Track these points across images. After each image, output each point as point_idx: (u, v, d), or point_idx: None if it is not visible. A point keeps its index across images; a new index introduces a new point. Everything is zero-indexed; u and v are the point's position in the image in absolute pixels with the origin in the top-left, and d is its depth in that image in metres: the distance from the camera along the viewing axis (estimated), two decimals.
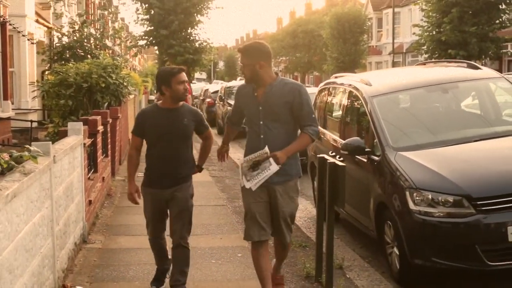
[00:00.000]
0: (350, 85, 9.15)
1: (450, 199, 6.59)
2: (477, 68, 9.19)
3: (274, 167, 5.75)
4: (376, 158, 7.60)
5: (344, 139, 8.56)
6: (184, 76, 6.26)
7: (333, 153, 8.74)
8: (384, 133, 7.68)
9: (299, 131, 6.09)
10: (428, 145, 7.54)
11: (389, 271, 7.44)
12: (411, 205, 6.77)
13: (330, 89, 10.41)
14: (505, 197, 6.51)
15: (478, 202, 6.51)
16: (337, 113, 9.81)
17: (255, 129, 6.00)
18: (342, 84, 9.69)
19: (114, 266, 7.67)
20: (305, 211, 10.71)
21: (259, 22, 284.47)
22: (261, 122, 5.94)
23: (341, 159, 8.26)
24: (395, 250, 7.15)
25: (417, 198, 6.75)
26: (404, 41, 52.03)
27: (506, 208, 6.49)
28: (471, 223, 6.50)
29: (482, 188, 6.62)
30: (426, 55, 31.09)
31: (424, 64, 11.75)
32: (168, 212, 6.55)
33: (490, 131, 7.98)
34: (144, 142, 6.50)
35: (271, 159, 5.76)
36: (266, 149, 5.80)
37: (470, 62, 9.87)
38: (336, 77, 10.50)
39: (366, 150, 7.80)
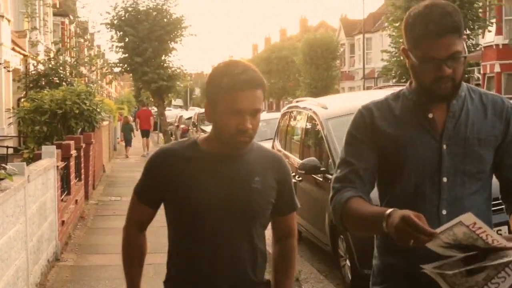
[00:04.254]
0: (310, 109, 9.72)
1: None
2: None
3: None
4: (331, 176, 8.14)
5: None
6: (257, 97, 2.81)
7: (294, 174, 9.29)
8: (336, 151, 8.22)
9: None
10: None
11: (343, 282, 7.97)
12: None
13: (292, 113, 11.00)
14: None
15: None
16: (298, 135, 10.39)
17: (427, 193, 2.82)
18: (303, 108, 10.27)
19: (85, 281, 8.13)
20: None
21: (235, 48, 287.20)
22: (445, 180, 2.79)
23: (300, 178, 8.87)
24: (347, 262, 7.69)
25: None
26: (376, 66, 52.94)
27: None
28: None
29: None
30: (394, 80, 31.91)
31: (380, 88, 12.39)
32: None
33: None
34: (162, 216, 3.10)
35: None
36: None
37: None
38: (297, 101, 11.09)
39: (321, 169, 8.35)
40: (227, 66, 2.89)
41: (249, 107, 2.78)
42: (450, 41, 2.67)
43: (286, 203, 3.06)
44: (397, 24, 29.50)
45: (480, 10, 28.86)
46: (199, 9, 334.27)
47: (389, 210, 2.48)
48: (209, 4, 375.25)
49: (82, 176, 13.62)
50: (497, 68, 34.28)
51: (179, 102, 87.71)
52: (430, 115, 2.83)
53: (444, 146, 2.81)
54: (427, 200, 2.79)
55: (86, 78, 25.42)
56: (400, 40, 31.20)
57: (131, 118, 28.02)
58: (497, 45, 33.95)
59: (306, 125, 9.81)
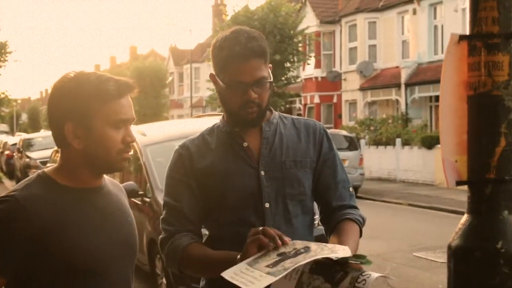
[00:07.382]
0: None
1: None
2: None
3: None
4: (148, 200, 8.65)
5: None
6: (131, 105, 2.39)
7: None
8: (154, 176, 8.75)
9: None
10: None
11: None
12: None
13: None
14: None
15: None
16: None
17: (252, 221, 2.78)
18: None
19: None
20: None
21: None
22: (267, 205, 2.81)
23: None
24: (164, 280, 8.23)
25: None
26: (204, 95, 53.99)
27: None
28: None
29: None
30: (220, 109, 32.97)
31: (198, 117, 13.03)
32: None
33: None
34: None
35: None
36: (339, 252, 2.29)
37: None
38: None
39: (139, 193, 8.81)
40: (87, 75, 2.36)
41: (131, 116, 2.38)
42: (256, 65, 2.72)
43: None
44: None
45: (300, 45, 30.53)
46: (26, 35, 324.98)
47: (239, 254, 2.42)
48: (37, 32, 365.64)
49: None
50: (316, 99, 36.35)
51: (4, 127, 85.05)
52: (245, 144, 2.86)
53: (262, 173, 2.82)
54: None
55: None
56: None
57: None
58: (316, 77, 36.10)
59: None
